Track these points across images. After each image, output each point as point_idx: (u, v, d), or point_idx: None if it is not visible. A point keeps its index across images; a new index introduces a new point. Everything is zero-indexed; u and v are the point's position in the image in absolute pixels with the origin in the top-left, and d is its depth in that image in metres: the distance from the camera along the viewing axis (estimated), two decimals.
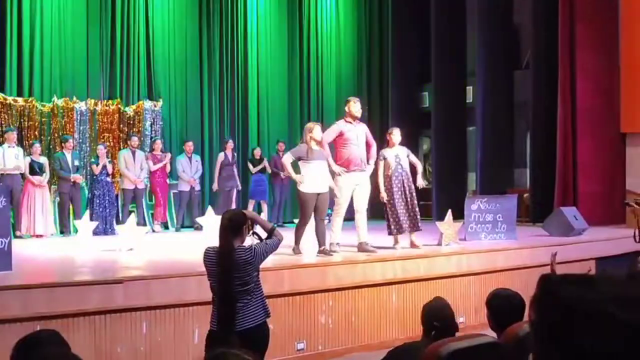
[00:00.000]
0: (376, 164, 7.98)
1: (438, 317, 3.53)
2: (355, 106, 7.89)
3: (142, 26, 12.54)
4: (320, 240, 7.37)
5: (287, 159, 7.55)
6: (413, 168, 8.18)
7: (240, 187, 12.36)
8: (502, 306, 3.52)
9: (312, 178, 7.33)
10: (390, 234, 8.01)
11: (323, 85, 14.52)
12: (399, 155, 8.01)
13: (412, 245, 7.99)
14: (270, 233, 4.35)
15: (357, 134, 7.82)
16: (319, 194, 7.36)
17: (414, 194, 8.00)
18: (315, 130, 7.44)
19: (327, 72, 14.59)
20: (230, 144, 12.27)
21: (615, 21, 11.58)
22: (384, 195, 7.90)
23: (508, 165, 13.52)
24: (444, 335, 3.34)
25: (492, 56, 13.09)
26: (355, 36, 14.99)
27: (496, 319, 3.51)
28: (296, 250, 7.39)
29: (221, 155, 12.19)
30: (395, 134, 8.09)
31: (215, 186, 12.10)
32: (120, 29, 12.31)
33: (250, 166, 12.65)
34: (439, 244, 8.33)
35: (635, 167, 11.56)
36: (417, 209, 7.98)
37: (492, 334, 3.33)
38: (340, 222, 7.79)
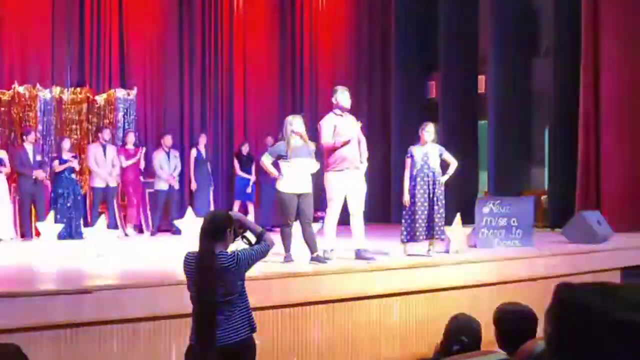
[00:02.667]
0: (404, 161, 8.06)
1: (466, 332, 3.49)
2: (343, 95, 7.91)
3: (115, 6, 12.53)
4: (311, 246, 7.37)
5: (266, 159, 7.60)
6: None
7: (212, 186, 12.38)
8: (511, 323, 3.48)
9: (293, 176, 7.35)
10: (400, 241, 8.04)
11: (318, 73, 14.52)
12: (428, 153, 8.01)
13: (428, 252, 8.01)
14: (259, 238, 4.34)
15: (349, 127, 7.82)
16: (300, 195, 7.38)
17: (441, 197, 7.95)
18: (295, 122, 7.45)
19: (322, 57, 14.58)
20: (203, 139, 12.27)
21: None
22: (406, 198, 7.91)
23: (524, 164, 13.55)
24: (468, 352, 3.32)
25: (507, 41, 13.12)
26: (355, 18, 15.00)
27: (505, 337, 3.47)
28: (286, 257, 7.40)
29: (194, 152, 12.21)
30: (429, 131, 8.09)
31: (193, 186, 12.11)
32: (91, 9, 12.30)
33: (237, 164, 12.65)
34: (447, 252, 8.35)
35: None
36: (441, 216, 7.93)
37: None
38: (333, 226, 7.78)
